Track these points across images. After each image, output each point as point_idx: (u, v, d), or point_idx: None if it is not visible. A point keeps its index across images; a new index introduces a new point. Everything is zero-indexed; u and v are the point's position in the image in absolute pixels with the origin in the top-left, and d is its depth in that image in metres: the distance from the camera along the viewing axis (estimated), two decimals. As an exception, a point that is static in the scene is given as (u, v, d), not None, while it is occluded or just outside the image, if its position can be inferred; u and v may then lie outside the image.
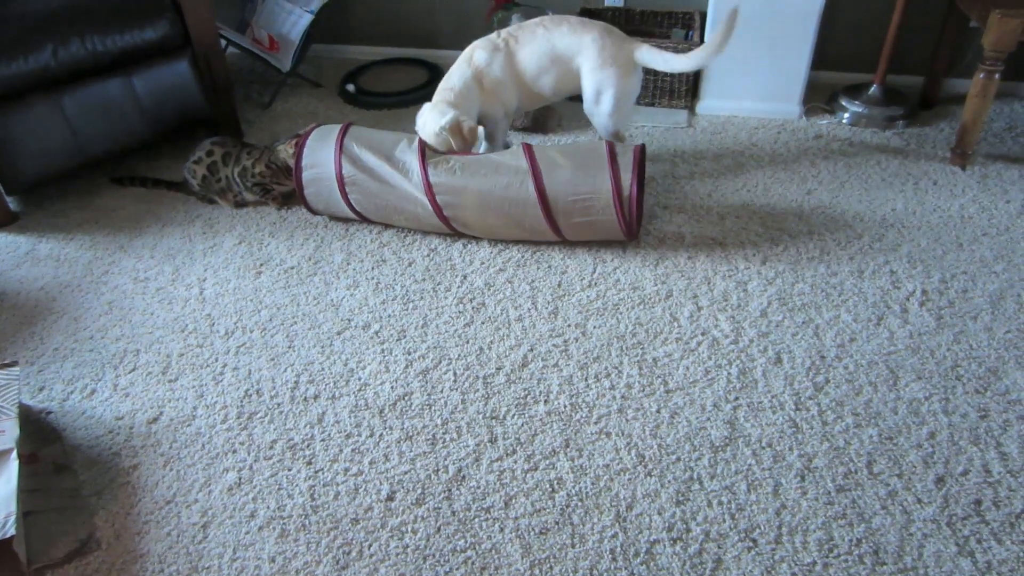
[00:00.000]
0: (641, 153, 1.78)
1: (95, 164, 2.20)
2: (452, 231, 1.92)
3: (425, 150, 1.85)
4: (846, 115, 2.45)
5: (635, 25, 2.64)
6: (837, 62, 2.65)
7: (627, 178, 1.73)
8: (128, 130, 2.19)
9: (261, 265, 1.92)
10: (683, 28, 2.61)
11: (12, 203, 2.19)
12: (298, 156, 1.91)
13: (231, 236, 2.04)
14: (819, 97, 2.57)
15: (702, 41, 2.42)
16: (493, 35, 2.01)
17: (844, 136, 2.38)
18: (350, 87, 2.73)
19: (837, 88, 2.57)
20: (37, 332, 1.75)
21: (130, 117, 2.18)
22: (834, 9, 2.52)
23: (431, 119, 1.92)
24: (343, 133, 1.89)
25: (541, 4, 2.70)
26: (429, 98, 2.72)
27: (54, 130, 2.06)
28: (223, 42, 2.55)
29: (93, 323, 1.76)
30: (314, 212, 2.01)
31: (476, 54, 1.98)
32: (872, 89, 2.46)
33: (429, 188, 1.81)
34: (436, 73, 2.77)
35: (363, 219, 1.99)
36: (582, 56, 1.93)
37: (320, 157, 1.89)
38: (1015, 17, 1.92)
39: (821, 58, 2.61)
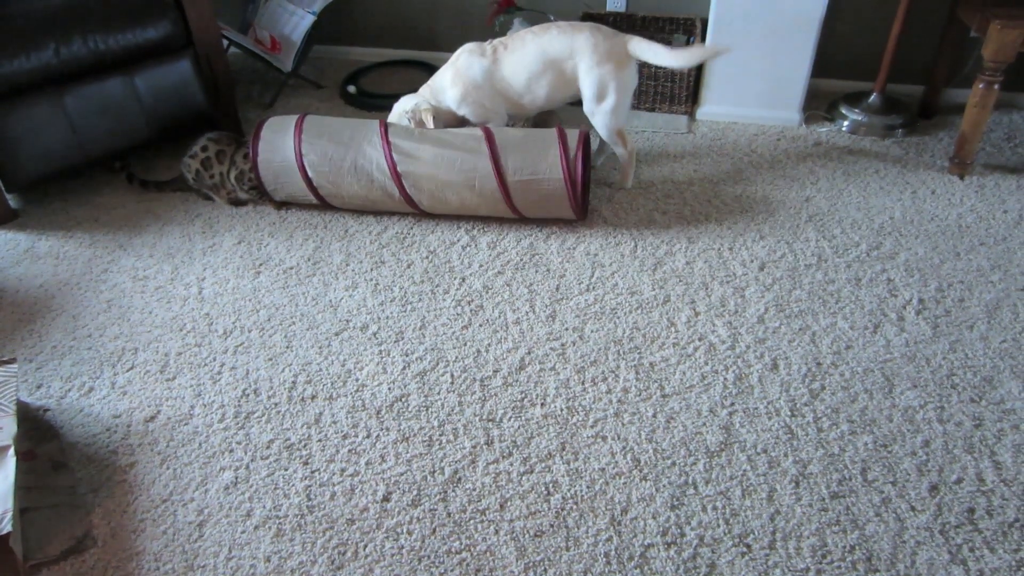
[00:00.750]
0: (586, 135, 1.93)
1: (96, 162, 2.20)
2: (403, 195, 1.95)
3: (388, 123, 2.00)
4: (845, 123, 2.46)
5: (637, 30, 2.64)
6: (837, 70, 2.66)
7: (573, 147, 1.87)
8: (129, 129, 2.19)
9: (260, 266, 1.92)
10: (684, 34, 2.62)
11: (12, 200, 2.19)
12: (258, 128, 2.02)
13: (230, 236, 2.04)
14: (819, 105, 2.58)
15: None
16: (486, 42, 2.04)
17: (843, 144, 2.38)
18: (351, 88, 2.74)
19: (837, 96, 2.58)
20: (36, 329, 1.75)
21: (131, 116, 2.18)
22: (834, 17, 2.53)
23: (403, 102, 2.11)
24: (305, 115, 2.05)
25: (543, 8, 2.71)
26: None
27: (55, 128, 2.07)
28: (225, 42, 2.55)
29: (92, 321, 1.77)
30: (266, 190, 2.06)
31: (462, 57, 2.03)
32: (872, 97, 2.47)
33: (387, 143, 1.90)
34: (437, 75, 2.78)
35: (312, 189, 2.01)
36: (578, 56, 1.94)
37: (279, 127, 2.01)
38: (1015, 28, 1.93)
39: (821, 66, 2.62)
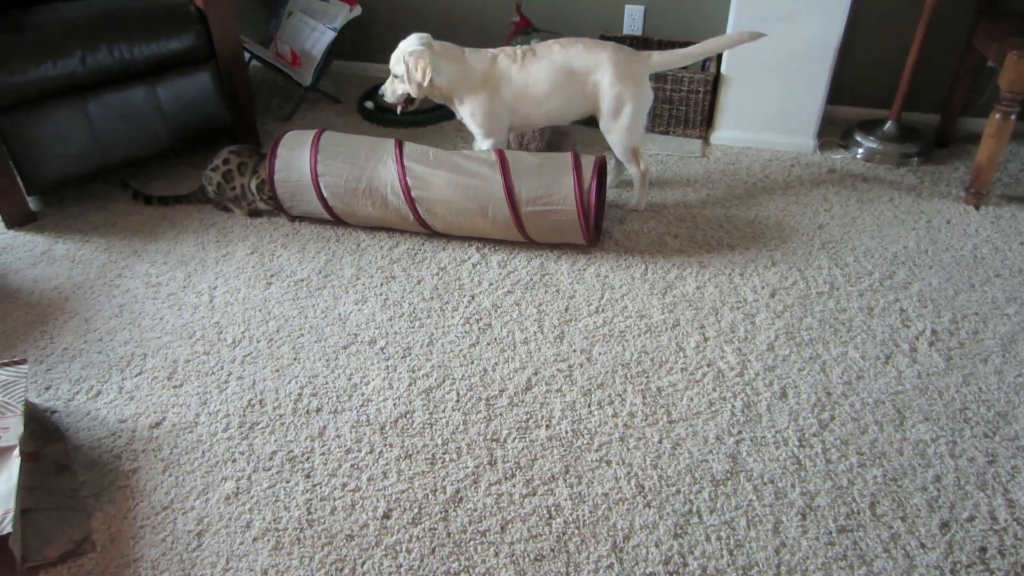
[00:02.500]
0: (601, 162, 1.91)
1: (115, 169, 2.23)
2: (417, 219, 1.95)
3: (402, 144, 1.98)
4: (860, 150, 2.45)
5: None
6: (853, 97, 2.66)
7: (588, 177, 1.85)
8: (149, 137, 2.23)
9: (272, 277, 1.93)
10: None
11: (32, 203, 2.23)
12: (275, 143, 2.03)
13: (244, 246, 2.06)
14: (834, 131, 2.57)
15: (718, 70, 2.44)
16: (513, 48, 2.04)
17: (858, 171, 2.37)
18: (368, 104, 2.77)
19: (852, 123, 2.58)
20: (48, 331, 1.77)
21: (152, 125, 2.22)
22: (851, 44, 2.53)
23: (410, 43, 1.97)
24: (322, 131, 2.05)
25: (560, 30, 2.73)
26: (447, 118, 2.76)
27: (77, 134, 2.10)
28: (246, 55, 2.59)
29: (103, 325, 1.78)
30: (282, 206, 2.07)
31: (501, 57, 2.01)
32: (887, 125, 2.46)
33: (402, 168, 1.90)
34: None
35: (327, 209, 2.02)
36: (599, 72, 1.96)
37: (295, 144, 2.01)
38: (1033, 61, 1.92)
39: (837, 93, 2.62)
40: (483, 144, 2.06)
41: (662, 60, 1.98)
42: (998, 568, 1.23)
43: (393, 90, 2.04)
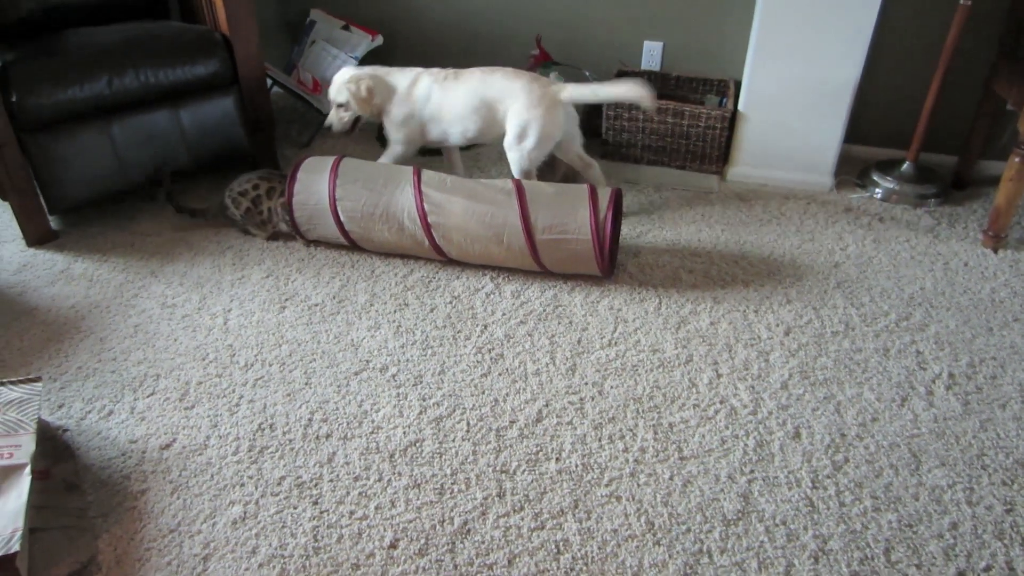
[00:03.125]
0: (618, 194, 1.92)
1: (136, 190, 2.27)
2: (432, 245, 1.97)
3: (420, 171, 2.01)
4: (878, 190, 2.45)
5: (670, 89, 2.69)
6: (871, 137, 2.66)
7: (604, 207, 1.86)
8: (170, 159, 2.27)
9: (286, 301, 1.95)
10: (717, 95, 2.66)
11: (53, 222, 2.27)
12: (295, 167, 2.06)
13: (259, 269, 2.08)
14: (851, 171, 2.58)
15: (735, 107, 2.46)
16: (439, 69, 2.18)
17: (874, 211, 2.37)
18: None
19: (869, 163, 2.58)
20: (63, 349, 1.78)
21: (174, 147, 2.26)
22: (869, 84, 2.55)
23: (344, 73, 2.19)
24: (341, 157, 2.10)
25: (579, 64, 2.77)
26: (463, 149, 2.79)
27: (101, 155, 2.14)
28: (268, 81, 2.65)
29: (118, 345, 1.79)
30: (297, 229, 2.10)
31: (424, 75, 2.16)
32: (905, 166, 2.46)
33: (419, 193, 1.93)
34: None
35: (343, 233, 2.04)
36: (511, 99, 2.05)
37: (315, 169, 2.05)
38: (1051, 106, 1.92)
39: (855, 132, 2.63)
40: (393, 148, 2.24)
41: (575, 93, 2.04)
42: (1018, 623, 1.20)
43: (340, 118, 2.21)
